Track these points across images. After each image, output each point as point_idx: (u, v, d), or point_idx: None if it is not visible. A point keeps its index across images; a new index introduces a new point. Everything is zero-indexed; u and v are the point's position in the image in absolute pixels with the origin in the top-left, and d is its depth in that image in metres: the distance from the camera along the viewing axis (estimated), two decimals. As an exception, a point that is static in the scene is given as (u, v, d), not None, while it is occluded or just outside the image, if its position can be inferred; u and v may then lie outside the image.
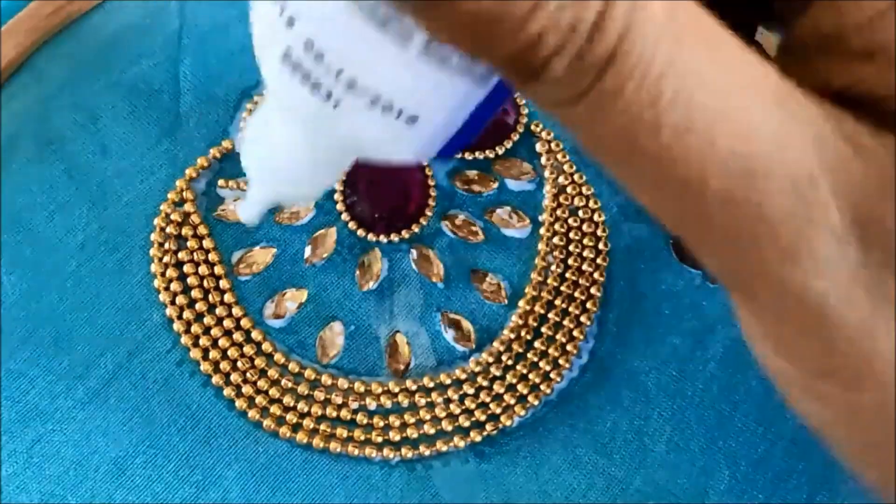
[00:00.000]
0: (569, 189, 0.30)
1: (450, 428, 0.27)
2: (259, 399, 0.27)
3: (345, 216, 0.29)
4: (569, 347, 0.28)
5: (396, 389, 0.27)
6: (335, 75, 0.16)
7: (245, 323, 0.28)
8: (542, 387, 0.28)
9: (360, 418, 0.27)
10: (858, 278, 0.15)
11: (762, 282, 0.15)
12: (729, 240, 0.15)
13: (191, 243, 0.28)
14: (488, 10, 0.13)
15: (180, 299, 0.28)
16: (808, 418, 0.17)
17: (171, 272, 0.28)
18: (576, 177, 0.30)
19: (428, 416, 0.27)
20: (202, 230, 0.29)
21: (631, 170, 0.15)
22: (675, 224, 0.16)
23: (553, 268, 0.29)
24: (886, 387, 0.15)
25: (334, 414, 0.27)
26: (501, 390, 0.28)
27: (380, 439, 0.27)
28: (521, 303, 0.29)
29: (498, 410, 0.27)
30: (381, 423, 0.27)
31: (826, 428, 0.17)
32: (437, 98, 0.16)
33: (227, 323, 0.28)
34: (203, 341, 0.28)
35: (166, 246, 0.28)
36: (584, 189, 0.30)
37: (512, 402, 0.27)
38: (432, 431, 0.27)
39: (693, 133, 0.14)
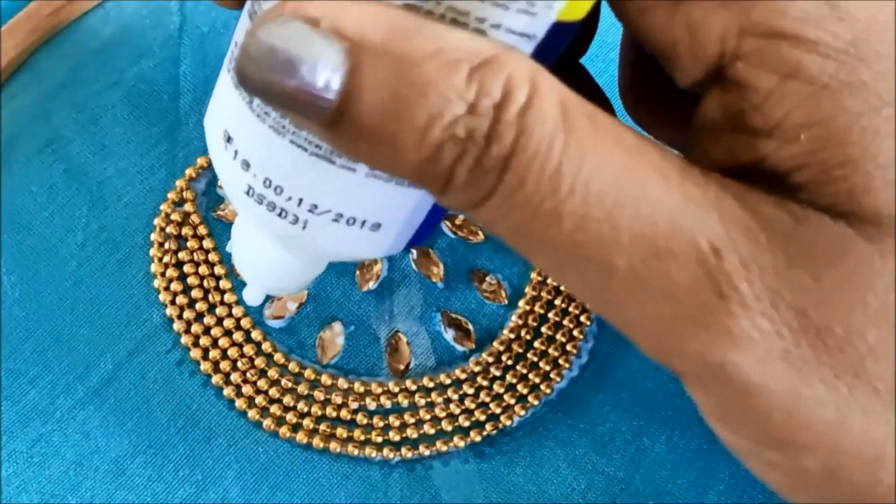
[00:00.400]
0: (569, 189, 0.30)
1: (450, 428, 0.27)
2: (259, 399, 0.27)
3: (345, 216, 0.29)
4: (569, 347, 0.28)
5: (396, 389, 0.27)
6: (297, 203, 0.17)
7: (245, 323, 0.28)
8: (542, 387, 0.28)
9: (360, 418, 0.27)
10: (776, 347, 0.15)
11: (683, 359, 0.16)
12: (641, 317, 0.16)
13: (191, 243, 0.28)
14: (388, 128, 0.14)
15: (180, 299, 0.28)
16: (767, 483, 0.17)
17: (171, 272, 0.28)
18: (576, 177, 0.30)
19: (428, 416, 0.27)
20: (202, 230, 0.29)
21: (542, 255, 0.16)
22: (593, 305, 0.16)
23: (553, 268, 0.29)
24: (826, 453, 0.15)
25: (334, 414, 0.27)
26: (501, 390, 0.28)
27: (380, 439, 0.27)
28: (521, 303, 0.29)
29: (498, 410, 0.27)
30: (381, 423, 0.27)
31: (782, 492, 0.17)
32: (395, 205, 0.18)
33: (227, 323, 0.28)
34: (203, 341, 0.28)
35: (166, 246, 0.28)
36: (584, 189, 0.30)
37: (512, 402, 0.27)
38: (432, 431, 0.27)
39: (593, 219, 0.14)
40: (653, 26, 0.17)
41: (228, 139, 0.18)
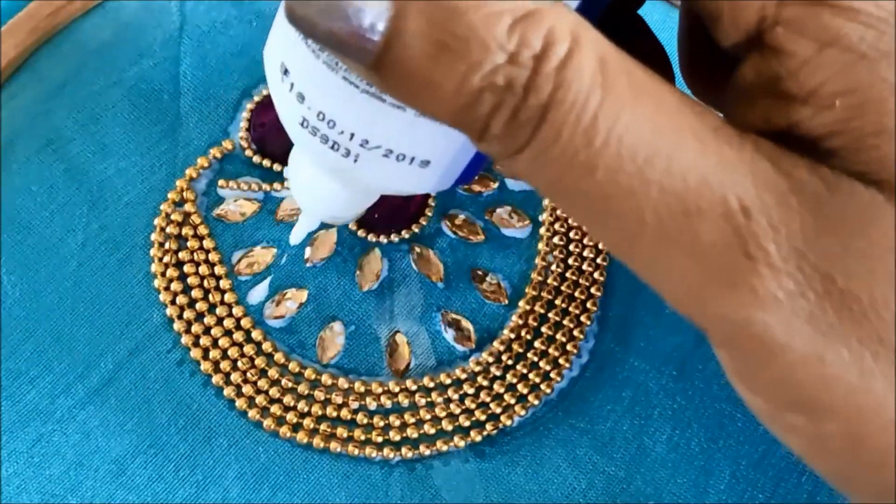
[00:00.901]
0: (569, 189, 0.30)
1: (450, 428, 0.27)
2: (259, 399, 0.27)
3: (345, 216, 0.29)
4: (569, 347, 0.28)
5: (396, 389, 0.27)
6: (349, 137, 0.18)
7: (245, 323, 0.28)
8: (543, 386, 0.28)
9: (361, 418, 0.27)
10: (801, 309, 0.15)
11: (707, 315, 0.16)
12: (670, 273, 0.16)
13: (191, 243, 0.28)
14: (429, 73, 0.14)
15: (180, 299, 0.28)
16: (789, 447, 0.17)
17: (171, 272, 0.28)
18: (576, 177, 0.30)
19: (428, 416, 0.27)
20: (202, 230, 0.29)
21: (575, 208, 0.16)
22: (623, 258, 0.16)
23: (553, 267, 0.29)
24: (849, 418, 0.16)
25: (334, 414, 0.27)
26: (501, 390, 0.28)
27: (380, 439, 0.27)
28: (522, 303, 0.29)
29: (498, 410, 0.27)
30: (382, 423, 0.27)
31: (804, 457, 0.17)
32: (443, 144, 0.18)
33: (228, 323, 0.28)
34: (203, 341, 0.28)
35: (166, 246, 0.28)
36: (584, 189, 0.30)
37: (512, 401, 0.27)
38: (432, 431, 0.27)
39: (625, 173, 0.15)
40: None
41: (285, 71, 0.18)
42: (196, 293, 0.28)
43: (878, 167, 0.15)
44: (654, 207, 0.15)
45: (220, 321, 0.28)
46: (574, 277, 0.29)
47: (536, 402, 0.27)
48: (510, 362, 0.28)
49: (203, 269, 0.28)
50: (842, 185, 0.15)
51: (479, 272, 0.29)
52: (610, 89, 0.15)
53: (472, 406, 0.27)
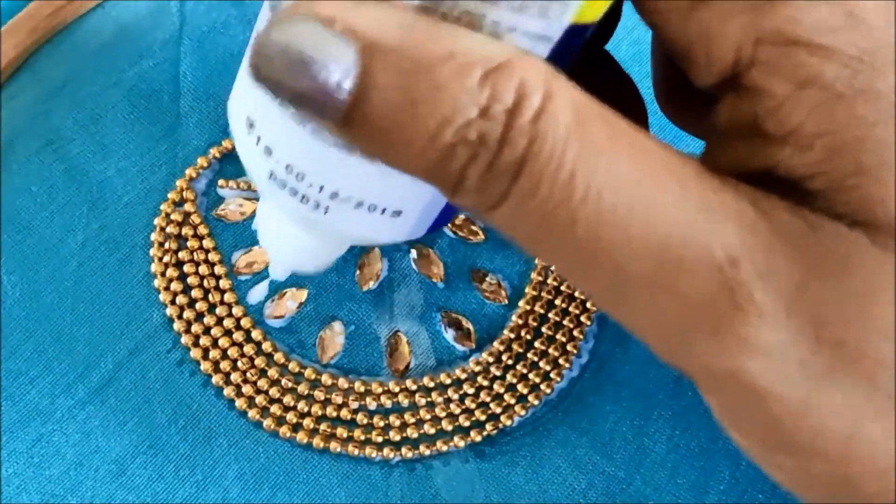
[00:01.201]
0: (569, 189, 0.30)
1: (450, 428, 0.27)
2: (259, 399, 0.27)
3: (345, 216, 0.29)
4: (569, 347, 0.28)
5: (396, 389, 0.27)
6: (318, 189, 0.17)
7: (245, 323, 0.28)
8: (543, 386, 0.28)
9: (361, 418, 0.27)
10: (791, 357, 0.15)
11: (694, 364, 0.16)
12: (655, 323, 0.16)
13: (191, 243, 0.28)
14: (399, 129, 0.14)
15: (180, 299, 0.28)
16: (777, 483, 0.17)
17: (171, 272, 0.28)
18: (576, 177, 0.30)
19: (428, 416, 0.27)
20: (202, 230, 0.29)
21: (556, 261, 0.16)
22: (606, 309, 0.16)
23: (553, 267, 0.29)
24: (840, 462, 0.15)
25: (334, 414, 0.27)
26: (501, 390, 0.28)
27: (380, 439, 0.27)
28: (522, 303, 0.29)
29: (498, 410, 0.27)
30: (381, 423, 0.27)
31: (793, 492, 0.17)
32: (415, 195, 0.18)
33: (227, 323, 0.28)
34: (203, 341, 0.28)
35: (166, 246, 0.28)
36: (584, 189, 0.30)
37: (512, 401, 0.27)
38: (432, 431, 0.27)
39: (606, 226, 0.14)
40: (670, 28, 0.17)
41: (251, 125, 0.18)
42: (196, 293, 0.28)
43: (860, 207, 0.15)
44: (637, 260, 0.15)
45: (219, 321, 0.28)
46: (574, 277, 0.29)
47: (536, 403, 0.27)
48: (510, 362, 0.28)
49: (203, 269, 0.28)
50: (825, 226, 0.15)
51: (479, 272, 0.29)
52: (586, 139, 0.14)
53: (472, 406, 0.27)
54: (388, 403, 0.27)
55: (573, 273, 0.16)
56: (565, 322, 0.28)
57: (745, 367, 0.15)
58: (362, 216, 0.18)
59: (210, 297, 0.28)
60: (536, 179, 0.14)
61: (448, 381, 0.28)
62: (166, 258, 0.28)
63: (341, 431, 0.27)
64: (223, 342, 0.28)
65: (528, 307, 0.28)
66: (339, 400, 0.27)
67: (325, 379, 0.27)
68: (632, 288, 0.15)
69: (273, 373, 0.27)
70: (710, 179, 0.15)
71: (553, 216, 0.14)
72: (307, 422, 0.27)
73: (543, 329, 0.28)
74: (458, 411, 0.27)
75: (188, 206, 0.29)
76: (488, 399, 0.28)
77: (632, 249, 0.15)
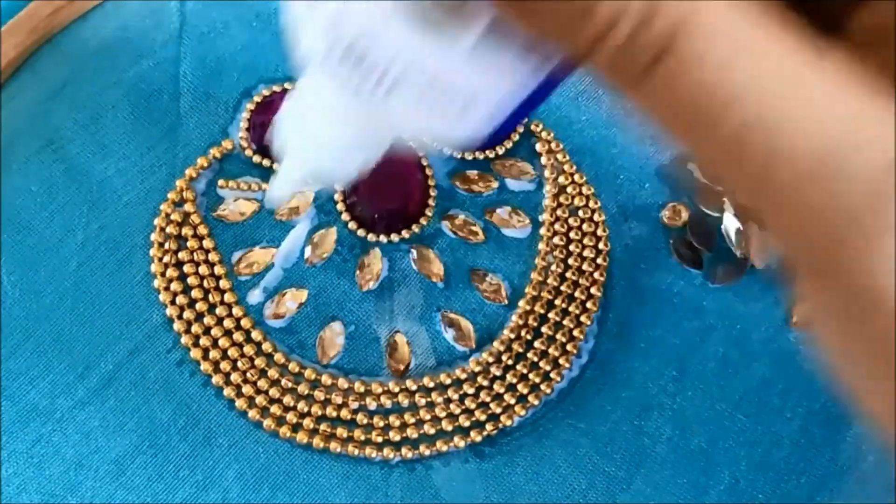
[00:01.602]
0: (569, 189, 0.30)
1: (450, 428, 0.27)
2: (259, 399, 0.27)
3: (345, 216, 0.29)
4: (569, 347, 0.28)
5: (396, 389, 0.27)
6: (387, 67, 0.16)
7: (245, 323, 0.28)
8: (543, 386, 0.28)
9: (361, 418, 0.27)
10: None
11: (829, 270, 0.15)
12: (798, 224, 0.15)
13: (191, 243, 0.28)
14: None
15: (180, 299, 0.28)
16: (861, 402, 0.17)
17: (171, 272, 0.28)
18: (576, 177, 0.30)
19: (428, 416, 0.27)
20: (202, 230, 0.29)
21: (704, 150, 0.15)
22: (748, 201, 0.16)
23: (553, 268, 0.29)
24: None
25: (334, 414, 0.27)
26: (501, 390, 0.28)
27: (380, 439, 0.27)
28: (521, 303, 0.29)
29: (498, 410, 0.27)
30: (381, 423, 0.27)
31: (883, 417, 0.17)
32: (484, 91, 0.17)
33: (227, 323, 0.28)
34: (203, 341, 0.28)
35: (166, 246, 0.28)
36: (584, 189, 0.30)
37: (512, 401, 0.27)
38: (432, 431, 0.27)
39: (758, 129, 0.14)
40: None
41: None
42: (196, 293, 0.28)
43: None
44: (790, 164, 0.14)
45: (219, 321, 0.28)
46: (574, 277, 0.29)
47: (536, 403, 0.27)
48: (510, 362, 0.28)
49: (203, 269, 0.28)
50: None
51: (479, 272, 0.29)
52: (740, 35, 0.14)
53: (472, 406, 0.27)
54: (387, 403, 0.27)
55: (720, 163, 0.15)
56: (565, 322, 0.28)
57: (878, 283, 0.14)
58: (423, 104, 0.17)
59: (210, 297, 0.28)
60: (688, 58, 0.14)
61: (448, 382, 0.28)
62: (166, 258, 0.28)
63: (341, 431, 0.27)
64: (223, 342, 0.27)
65: (528, 307, 0.28)
66: (339, 400, 0.27)
67: (325, 379, 0.27)
68: (779, 189, 0.15)
69: (273, 373, 0.27)
70: (865, 87, 0.15)
71: (705, 102, 0.14)
72: (307, 422, 0.27)
73: (543, 329, 0.28)
74: (458, 411, 0.27)
75: (188, 207, 0.29)
76: (488, 399, 0.27)
77: (784, 154, 0.14)
